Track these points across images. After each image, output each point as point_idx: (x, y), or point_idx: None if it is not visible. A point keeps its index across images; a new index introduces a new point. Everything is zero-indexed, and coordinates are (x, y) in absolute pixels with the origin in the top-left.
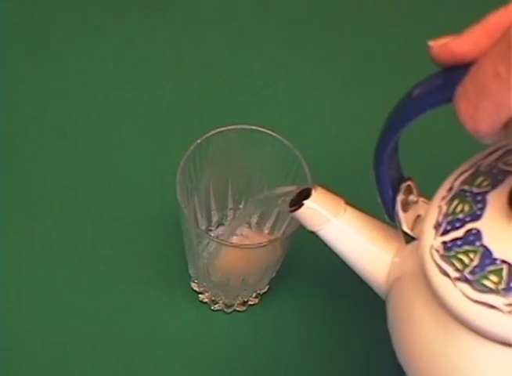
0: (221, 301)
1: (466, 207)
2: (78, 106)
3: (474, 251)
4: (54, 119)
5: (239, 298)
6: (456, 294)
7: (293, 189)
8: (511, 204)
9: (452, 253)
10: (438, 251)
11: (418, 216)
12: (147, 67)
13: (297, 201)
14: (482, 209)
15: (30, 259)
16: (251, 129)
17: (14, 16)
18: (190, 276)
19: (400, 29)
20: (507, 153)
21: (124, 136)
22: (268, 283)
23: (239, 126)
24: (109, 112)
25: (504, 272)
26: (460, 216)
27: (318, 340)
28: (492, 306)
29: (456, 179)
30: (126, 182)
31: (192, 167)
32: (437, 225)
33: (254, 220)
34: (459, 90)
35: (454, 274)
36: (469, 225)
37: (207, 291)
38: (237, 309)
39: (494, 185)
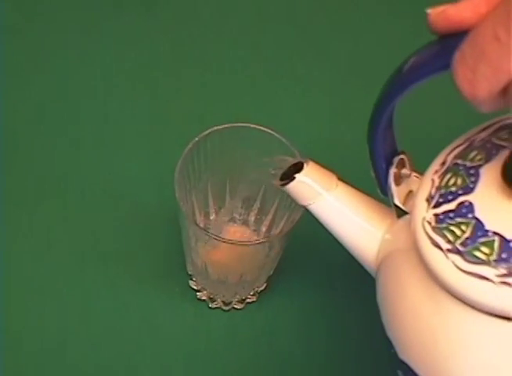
0: (219, 299)
1: (459, 181)
2: (77, 105)
3: (466, 223)
4: (53, 118)
5: (237, 296)
6: (448, 266)
7: (285, 158)
8: (505, 177)
9: (444, 225)
10: (430, 223)
11: (410, 191)
12: (146, 67)
13: (289, 175)
14: (475, 182)
15: (29, 258)
16: (249, 127)
17: (13, 16)
18: (188, 274)
19: (397, 27)
20: (501, 128)
21: (122, 135)
22: (265, 281)
23: (236, 124)
24: (108, 111)
25: (496, 244)
26: (453, 189)
27: (315, 337)
28: (484, 277)
29: (449, 154)
30: (125, 181)
31: (191, 165)
32: (429, 198)
33: (252, 218)
34: (457, 55)
35: (446, 246)
36: (461, 198)
37: (205, 289)
38: (235, 306)
39: (487, 159)
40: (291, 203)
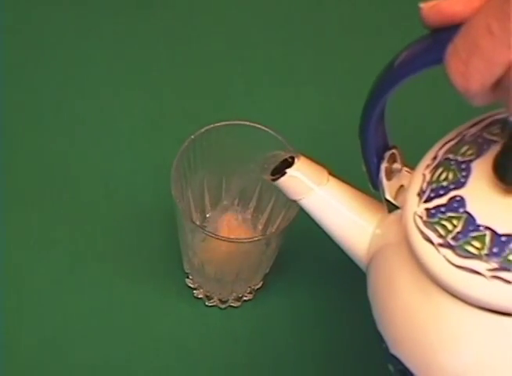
0: (215, 297)
1: (451, 175)
2: (74, 104)
3: (458, 218)
4: (50, 118)
5: (234, 294)
6: (439, 260)
7: (276, 153)
8: (496, 171)
9: (435, 219)
10: (421, 217)
11: (401, 186)
12: (142, 65)
13: (280, 170)
14: (466, 177)
15: (28, 257)
16: (245, 125)
17: (12, 16)
18: (185, 273)
19: (392, 26)
20: (492, 123)
21: (118, 133)
22: (262, 279)
23: (232, 122)
24: (105, 110)
25: (487, 238)
26: (444, 184)
27: (311, 335)
28: (475, 271)
29: (440, 148)
30: (121, 179)
31: (186, 163)
32: (420, 193)
33: (249, 216)
34: (450, 48)
35: (437, 240)
36: (453, 193)
37: (201, 287)
38: (232, 304)
39: (478, 154)
40: (287, 200)
